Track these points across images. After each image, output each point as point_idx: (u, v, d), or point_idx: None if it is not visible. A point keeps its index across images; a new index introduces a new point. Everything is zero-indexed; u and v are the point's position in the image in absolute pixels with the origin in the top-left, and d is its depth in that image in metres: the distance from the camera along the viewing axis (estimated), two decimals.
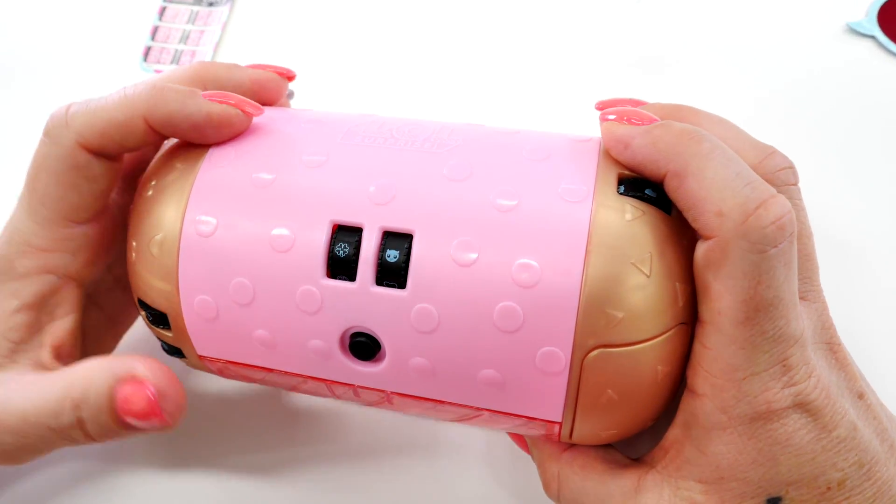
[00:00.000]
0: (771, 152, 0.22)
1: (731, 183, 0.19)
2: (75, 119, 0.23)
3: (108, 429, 0.22)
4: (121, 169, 0.24)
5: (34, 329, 0.24)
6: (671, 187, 0.20)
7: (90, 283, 0.26)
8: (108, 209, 0.25)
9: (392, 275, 0.20)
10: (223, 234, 0.22)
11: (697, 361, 0.20)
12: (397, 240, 0.21)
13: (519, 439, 0.26)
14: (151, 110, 0.22)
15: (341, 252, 0.21)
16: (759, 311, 0.19)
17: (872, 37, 0.42)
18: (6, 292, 0.23)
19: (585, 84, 0.40)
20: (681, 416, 0.21)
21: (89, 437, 0.23)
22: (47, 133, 0.23)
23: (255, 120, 0.24)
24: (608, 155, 0.21)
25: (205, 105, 0.23)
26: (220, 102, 0.23)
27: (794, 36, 0.42)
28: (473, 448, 0.28)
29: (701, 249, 0.19)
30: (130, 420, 0.22)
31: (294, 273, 0.21)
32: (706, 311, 0.20)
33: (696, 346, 0.20)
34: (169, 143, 0.26)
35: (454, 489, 0.27)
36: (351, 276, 0.21)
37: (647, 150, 0.20)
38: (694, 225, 0.19)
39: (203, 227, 0.22)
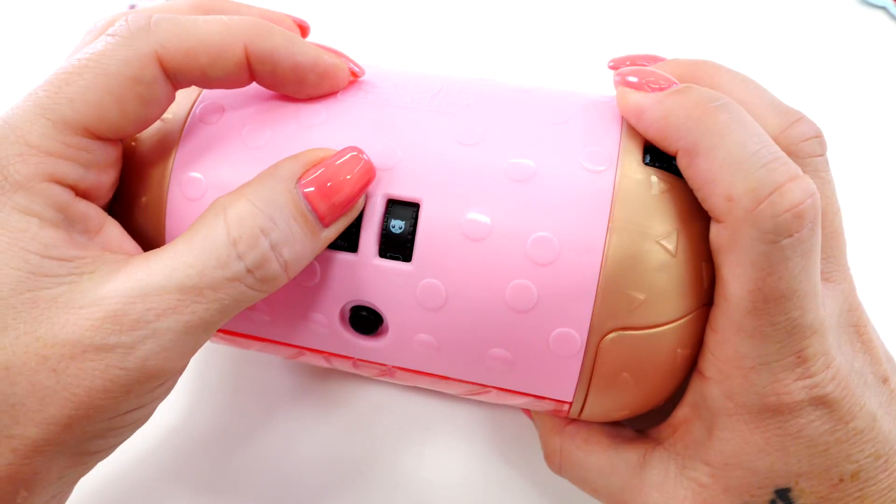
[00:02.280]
0: (796, 119, 0.20)
1: (745, 164, 0.17)
2: (161, 27, 0.19)
3: (302, 241, 0.18)
4: (168, 105, 0.20)
5: (78, 245, 0.18)
6: (682, 165, 0.18)
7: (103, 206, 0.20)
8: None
9: (397, 246, 0.19)
10: (213, 198, 0.20)
11: (706, 344, 0.19)
12: (403, 208, 0.19)
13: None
14: (255, 40, 0.19)
15: None
16: (770, 303, 0.17)
17: (884, 8, 0.41)
18: (7, 207, 0.17)
19: (598, 36, 0.38)
20: (690, 396, 0.20)
21: (284, 270, 0.18)
22: (117, 33, 0.19)
23: None
24: None
25: (314, 49, 0.20)
26: (328, 51, 0.21)
27: (806, 8, 0.41)
28: (474, 418, 0.27)
29: (712, 231, 0.18)
30: (336, 203, 0.19)
31: None
32: (717, 295, 0.19)
33: (707, 328, 0.19)
34: None
35: (455, 462, 0.26)
36: (352, 247, 0.19)
37: (658, 125, 0.19)
38: (704, 206, 0.18)
39: (191, 189, 0.20)
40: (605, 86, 0.25)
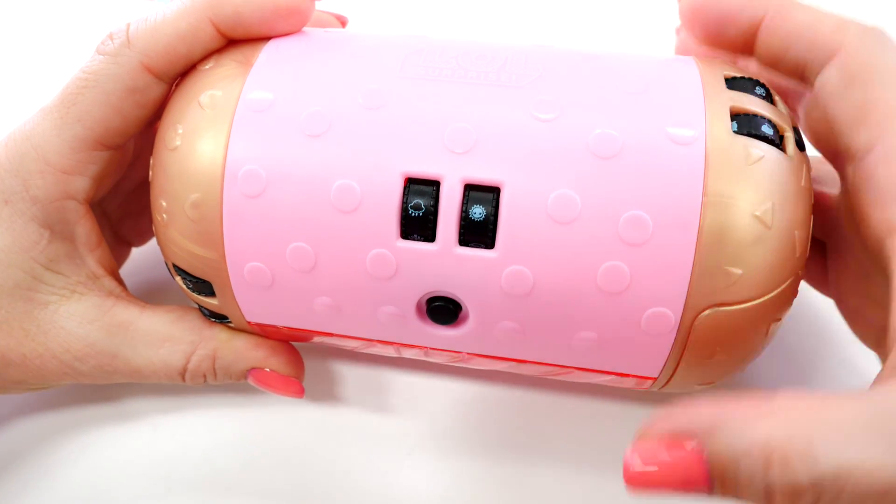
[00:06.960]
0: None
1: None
2: (138, 37, 0.20)
3: (228, 379, 0.24)
4: (167, 96, 0.22)
5: (77, 260, 0.22)
6: (772, 26, 0.19)
7: (97, 202, 0.24)
8: None
9: (478, 233, 0.18)
10: (274, 195, 0.19)
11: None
12: (482, 193, 0.18)
13: (661, 480, 0.15)
14: (217, 11, 0.20)
15: (416, 211, 0.18)
16: None
17: None
18: (26, 216, 0.21)
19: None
20: None
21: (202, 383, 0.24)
22: (104, 52, 0.21)
23: (289, 47, 0.21)
24: (713, 84, 0.19)
25: None
26: None
27: None
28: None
29: (832, 70, 0.18)
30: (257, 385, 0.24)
31: (362, 235, 0.18)
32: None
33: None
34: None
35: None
36: (428, 237, 0.18)
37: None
38: (809, 55, 0.19)
39: (249, 186, 0.19)
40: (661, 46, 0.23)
